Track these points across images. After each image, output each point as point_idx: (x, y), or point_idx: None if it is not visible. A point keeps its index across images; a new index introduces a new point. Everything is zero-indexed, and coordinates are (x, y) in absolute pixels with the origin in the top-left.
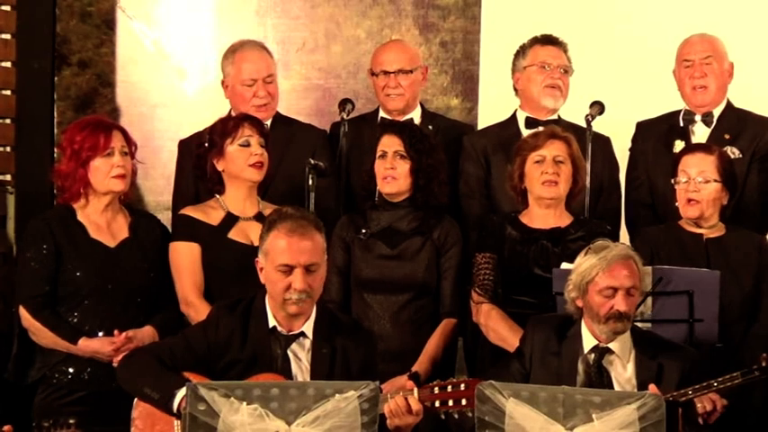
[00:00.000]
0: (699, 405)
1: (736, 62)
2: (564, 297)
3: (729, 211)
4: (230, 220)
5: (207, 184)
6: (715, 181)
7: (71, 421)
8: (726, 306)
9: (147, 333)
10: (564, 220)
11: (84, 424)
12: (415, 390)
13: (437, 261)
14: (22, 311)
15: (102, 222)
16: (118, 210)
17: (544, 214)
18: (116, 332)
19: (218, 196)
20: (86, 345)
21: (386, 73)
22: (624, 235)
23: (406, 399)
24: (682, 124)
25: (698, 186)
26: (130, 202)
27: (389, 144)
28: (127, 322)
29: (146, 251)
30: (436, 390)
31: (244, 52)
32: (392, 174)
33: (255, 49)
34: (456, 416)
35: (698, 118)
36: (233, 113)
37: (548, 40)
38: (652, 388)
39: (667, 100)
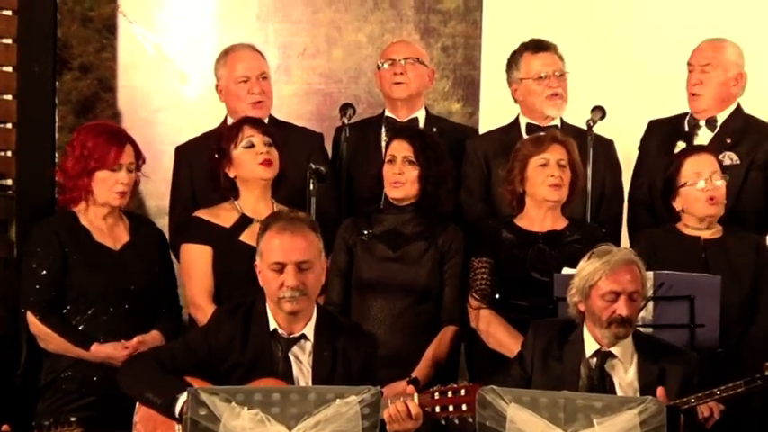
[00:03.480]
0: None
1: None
2: (566, 302)
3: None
4: (244, 222)
5: (222, 193)
6: (724, 180)
7: (72, 419)
8: (724, 307)
9: (154, 338)
10: (560, 223)
11: (91, 428)
12: (416, 395)
13: (440, 267)
14: (30, 317)
15: (104, 227)
16: (118, 215)
17: (542, 217)
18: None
19: (233, 200)
20: (99, 350)
21: (393, 62)
22: (625, 241)
23: (406, 404)
24: (687, 128)
25: (714, 185)
26: (130, 206)
27: (399, 149)
28: (132, 326)
29: (146, 255)
30: (436, 395)
31: (235, 53)
32: (400, 179)
33: (247, 49)
34: (456, 421)
35: (702, 123)
36: (229, 118)
37: (538, 47)
38: (660, 391)
39: (671, 103)
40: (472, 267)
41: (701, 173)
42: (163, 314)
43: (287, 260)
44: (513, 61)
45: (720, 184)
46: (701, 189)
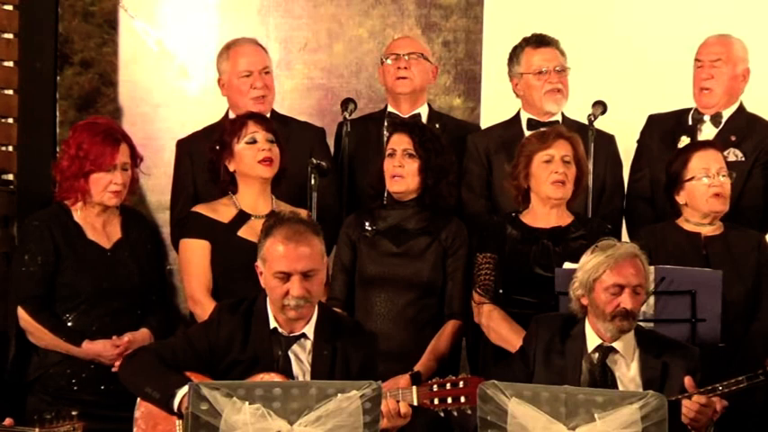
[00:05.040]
0: None
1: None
2: (567, 296)
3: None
4: (242, 217)
5: (221, 186)
6: (729, 177)
7: (73, 413)
8: (726, 303)
9: (143, 336)
10: (565, 219)
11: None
12: (414, 388)
13: (443, 262)
14: (21, 313)
15: (98, 224)
16: (112, 210)
17: (547, 213)
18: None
19: (231, 194)
20: (89, 347)
21: (397, 57)
22: (625, 235)
23: (397, 402)
24: (690, 123)
25: (720, 181)
26: (131, 201)
27: (398, 142)
28: (121, 324)
29: (137, 252)
30: (435, 388)
31: (238, 47)
32: (400, 172)
33: (249, 43)
34: (455, 413)
35: (706, 118)
36: (231, 113)
37: (539, 42)
38: (688, 380)
39: (672, 98)
40: (476, 263)
41: (709, 168)
42: (152, 312)
43: (292, 270)
44: (514, 55)
45: (726, 180)
46: (708, 184)
